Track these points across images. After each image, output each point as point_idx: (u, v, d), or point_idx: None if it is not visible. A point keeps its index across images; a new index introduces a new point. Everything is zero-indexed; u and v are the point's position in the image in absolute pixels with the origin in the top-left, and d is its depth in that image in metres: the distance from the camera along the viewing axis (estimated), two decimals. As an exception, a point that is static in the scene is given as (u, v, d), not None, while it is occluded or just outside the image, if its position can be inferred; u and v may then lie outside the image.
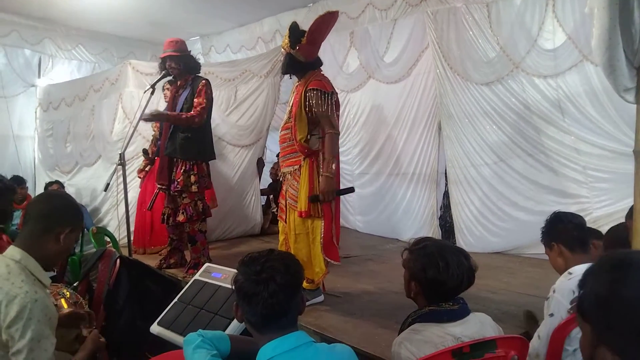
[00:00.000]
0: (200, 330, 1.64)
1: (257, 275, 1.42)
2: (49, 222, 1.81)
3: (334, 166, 3.20)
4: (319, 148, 3.27)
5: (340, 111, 6.26)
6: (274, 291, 1.39)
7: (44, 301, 1.70)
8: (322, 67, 3.45)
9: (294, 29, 3.29)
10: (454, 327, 1.67)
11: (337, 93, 3.37)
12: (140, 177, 5.22)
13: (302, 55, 3.28)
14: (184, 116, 3.95)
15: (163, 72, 4.13)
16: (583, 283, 1.00)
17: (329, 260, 3.26)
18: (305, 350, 1.41)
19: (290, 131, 3.33)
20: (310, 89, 3.22)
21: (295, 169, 3.33)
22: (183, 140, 4.00)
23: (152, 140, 5.17)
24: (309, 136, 3.27)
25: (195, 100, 4.00)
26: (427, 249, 1.77)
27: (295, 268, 1.49)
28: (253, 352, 1.45)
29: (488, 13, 4.64)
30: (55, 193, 2.22)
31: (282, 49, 3.41)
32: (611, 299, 0.92)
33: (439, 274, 1.70)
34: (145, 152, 5.13)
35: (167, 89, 4.65)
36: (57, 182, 6.04)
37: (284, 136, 3.41)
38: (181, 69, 4.06)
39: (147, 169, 5.15)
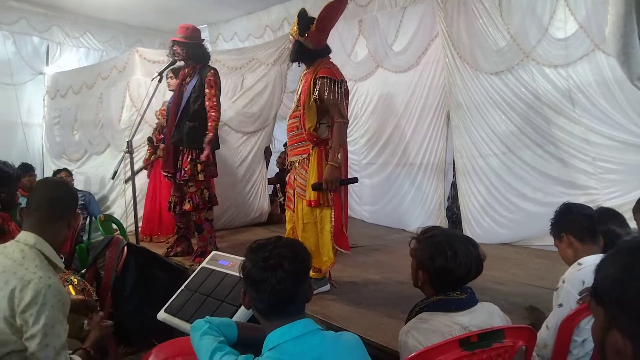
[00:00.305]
0: (207, 317, 1.64)
1: (265, 262, 1.41)
2: (61, 208, 1.86)
3: (340, 156, 3.18)
4: (328, 137, 3.25)
5: (349, 100, 6.23)
6: (281, 278, 1.38)
7: (58, 287, 1.72)
8: (330, 56, 3.42)
9: (303, 16, 3.25)
10: (461, 317, 1.66)
11: (346, 81, 3.35)
12: (146, 168, 5.21)
13: (310, 43, 3.25)
14: (214, 125, 3.96)
15: (171, 59, 4.12)
16: (600, 267, 0.99)
17: (339, 249, 3.26)
18: (312, 338, 1.40)
19: (298, 120, 3.30)
20: (319, 77, 3.19)
21: (304, 158, 3.31)
22: (190, 129, 4.00)
23: (155, 128, 5.16)
24: (318, 125, 3.24)
25: (207, 91, 3.99)
26: (435, 238, 1.75)
27: (303, 255, 1.48)
28: (260, 339, 1.45)
29: (499, 1, 4.58)
30: (56, 180, 2.28)
31: (291, 36, 3.38)
32: (625, 282, 0.92)
33: (446, 262, 1.68)
34: (150, 140, 5.13)
35: (170, 77, 4.61)
36: (65, 169, 6.07)
37: (292, 124, 3.39)
38: (185, 55, 4.05)
39: (152, 158, 5.15)
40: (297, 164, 3.37)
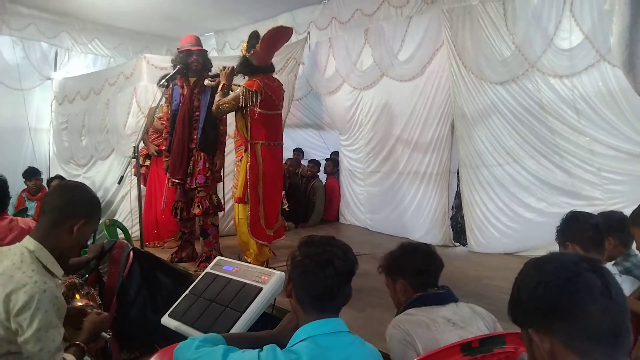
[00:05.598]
0: (190, 337, 1.61)
1: (318, 256, 1.48)
2: (62, 214, 1.82)
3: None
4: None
5: (353, 109, 6.27)
6: (330, 275, 1.46)
7: (53, 292, 1.71)
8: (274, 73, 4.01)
9: (252, 36, 3.78)
10: (444, 311, 1.80)
11: (265, 94, 3.72)
12: (142, 173, 5.20)
13: (255, 59, 3.75)
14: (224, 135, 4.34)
15: (178, 66, 4.15)
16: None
17: (256, 240, 3.79)
18: (344, 337, 1.47)
19: (236, 125, 3.95)
20: (241, 85, 3.75)
21: (239, 160, 4.02)
22: (214, 137, 4.14)
23: (153, 132, 5.23)
24: (247, 124, 3.80)
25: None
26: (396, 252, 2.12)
27: (352, 257, 1.55)
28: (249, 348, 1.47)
29: (504, 11, 4.60)
30: (71, 184, 2.21)
31: (240, 52, 3.85)
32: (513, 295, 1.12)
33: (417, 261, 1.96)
34: (158, 152, 5.17)
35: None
36: (57, 177, 6.08)
37: (234, 132, 4.14)
38: (202, 64, 4.14)
39: (146, 164, 5.17)
40: (234, 165, 4.03)
